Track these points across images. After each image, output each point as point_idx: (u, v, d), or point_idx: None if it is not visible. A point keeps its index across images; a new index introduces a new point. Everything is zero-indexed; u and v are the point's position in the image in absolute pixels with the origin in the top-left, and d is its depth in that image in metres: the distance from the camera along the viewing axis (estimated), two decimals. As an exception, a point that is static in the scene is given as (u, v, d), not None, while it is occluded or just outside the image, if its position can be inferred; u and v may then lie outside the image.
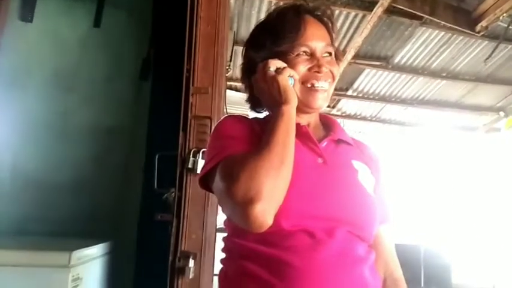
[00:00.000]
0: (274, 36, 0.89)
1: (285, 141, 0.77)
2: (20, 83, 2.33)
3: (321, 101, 0.89)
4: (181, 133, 1.63)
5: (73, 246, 1.54)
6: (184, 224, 1.58)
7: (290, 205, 0.76)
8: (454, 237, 5.36)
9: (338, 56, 0.95)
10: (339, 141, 0.93)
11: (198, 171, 1.57)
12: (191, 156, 1.59)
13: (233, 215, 0.78)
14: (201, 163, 1.57)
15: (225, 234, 0.88)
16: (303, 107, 0.89)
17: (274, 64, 0.85)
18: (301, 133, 0.88)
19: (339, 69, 0.94)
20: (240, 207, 0.71)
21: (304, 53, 0.88)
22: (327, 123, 0.98)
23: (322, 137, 0.92)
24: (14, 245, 1.66)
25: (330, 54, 0.91)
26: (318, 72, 0.87)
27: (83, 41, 2.46)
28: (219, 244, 1.70)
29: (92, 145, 2.29)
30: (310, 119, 0.94)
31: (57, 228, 2.11)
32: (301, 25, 0.88)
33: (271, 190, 0.71)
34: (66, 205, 2.18)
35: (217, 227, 1.85)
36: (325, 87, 0.89)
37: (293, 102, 0.82)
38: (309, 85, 0.88)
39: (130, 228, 2.06)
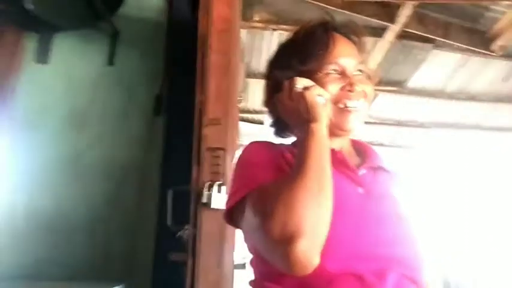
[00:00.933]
0: (301, 55, 0.83)
1: (320, 163, 0.68)
2: (34, 124, 2.35)
3: (355, 123, 0.82)
4: (194, 166, 1.58)
5: (84, 291, 1.46)
6: (200, 263, 1.49)
7: (335, 243, 0.66)
8: (482, 266, 5.05)
9: (370, 75, 0.89)
10: (378, 169, 0.85)
11: (213, 205, 1.50)
12: (205, 190, 1.52)
13: (271, 255, 0.66)
14: (216, 197, 1.50)
15: (252, 277, 0.79)
16: (335, 130, 0.82)
17: (302, 82, 0.77)
18: (337, 160, 0.79)
19: (372, 89, 0.86)
20: (280, 247, 0.61)
21: (334, 72, 0.82)
22: (359, 148, 0.91)
23: (358, 164, 0.84)
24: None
25: (362, 72, 0.85)
26: (350, 91, 0.81)
27: (97, 80, 2.48)
28: (236, 283, 1.61)
29: (105, 184, 2.25)
30: (342, 144, 0.86)
31: (70, 271, 2.04)
32: (329, 42, 0.82)
33: (314, 223, 0.62)
34: (79, 247, 2.11)
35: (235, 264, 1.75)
36: (358, 107, 0.81)
37: (323, 120, 0.74)
38: (341, 105, 0.81)
39: (144, 269, 1.97)
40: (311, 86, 0.77)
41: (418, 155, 5.83)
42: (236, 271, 1.62)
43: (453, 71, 4.06)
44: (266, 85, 0.92)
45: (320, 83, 0.79)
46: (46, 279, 2.00)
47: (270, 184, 0.68)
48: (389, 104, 4.71)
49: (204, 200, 1.51)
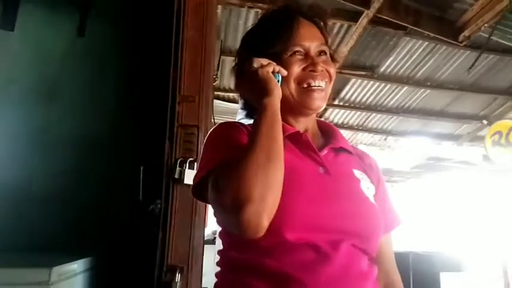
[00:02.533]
0: (266, 38, 0.87)
1: (269, 135, 0.72)
2: (1, 94, 2.26)
3: (319, 101, 0.86)
4: (167, 142, 1.59)
5: (53, 262, 1.46)
6: (170, 236, 1.53)
7: (293, 215, 0.73)
8: (442, 243, 5.39)
9: (334, 56, 0.93)
10: (340, 150, 0.90)
11: (185, 181, 1.53)
12: (177, 166, 1.54)
13: (227, 224, 0.74)
14: (187, 173, 1.53)
15: (220, 247, 0.84)
16: (300, 109, 0.86)
17: (259, 61, 0.81)
18: (301, 141, 0.85)
19: (335, 70, 0.90)
20: (232, 214, 0.67)
21: (298, 53, 0.85)
22: (326, 130, 0.95)
23: (322, 145, 0.89)
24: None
25: (325, 53, 0.88)
26: (314, 71, 0.85)
27: (67, 51, 2.41)
28: (207, 257, 1.66)
29: (76, 156, 2.22)
30: (308, 124, 0.90)
31: (38, 242, 2.02)
32: (293, 25, 0.86)
33: (262, 189, 0.66)
34: (48, 218, 2.09)
35: (205, 239, 1.81)
36: (322, 86, 0.85)
37: (275, 93, 0.78)
38: (305, 85, 0.85)
39: (115, 243, 1.99)
40: (266, 64, 0.80)
41: (387, 139, 6.03)
42: (206, 246, 1.67)
43: (422, 58, 4.19)
44: (234, 68, 0.94)
45: (285, 64, 0.83)
46: (13, 250, 1.98)
47: (227, 160, 0.72)
48: (360, 88, 4.82)
49: (176, 175, 1.54)
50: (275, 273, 0.72)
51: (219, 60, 3.27)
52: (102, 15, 2.46)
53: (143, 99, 2.26)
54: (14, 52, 2.35)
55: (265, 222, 0.67)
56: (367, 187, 0.86)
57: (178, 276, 1.47)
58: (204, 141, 0.87)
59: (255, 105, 0.82)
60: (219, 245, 0.86)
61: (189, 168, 1.54)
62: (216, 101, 3.95)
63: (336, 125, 5.82)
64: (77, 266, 1.66)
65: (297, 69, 0.84)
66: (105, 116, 2.33)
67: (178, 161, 1.55)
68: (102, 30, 2.44)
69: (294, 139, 0.84)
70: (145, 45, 2.37)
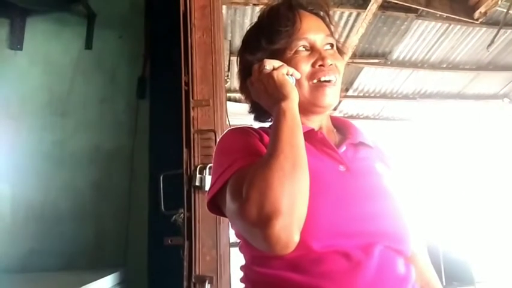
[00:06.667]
0: (268, 34, 0.81)
1: (292, 140, 0.67)
2: (14, 113, 2.26)
3: (331, 97, 0.80)
4: (184, 150, 1.54)
5: (81, 281, 1.44)
6: (196, 245, 1.48)
7: (317, 222, 0.67)
8: (472, 233, 5.21)
9: (341, 48, 0.87)
10: (359, 145, 0.84)
11: (206, 188, 1.48)
12: (197, 173, 1.49)
13: (252, 239, 0.66)
14: (208, 179, 1.47)
15: (242, 262, 0.78)
16: (312, 107, 0.80)
17: (271, 63, 0.76)
18: (317, 139, 0.79)
19: (343, 63, 0.84)
20: (258, 229, 0.60)
21: (303, 48, 0.80)
22: (340, 126, 0.89)
23: (339, 141, 0.84)
24: (16, 287, 1.56)
25: (332, 46, 0.82)
26: (322, 65, 0.79)
27: (75, 64, 2.39)
28: (234, 261, 1.62)
29: (91, 170, 2.21)
30: (321, 122, 0.85)
31: (62, 261, 2.01)
32: (296, 18, 0.80)
33: (290, 201, 0.60)
34: (70, 236, 2.08)
35: (230, 242, 1.76)
36: (333, 80, 0.80)
37: (293, 97, 0.72)
38: (315, 81, 0.79)
39: (140, 255, 1.96)
40: (280, 66, 0.75)
41: (404, 126, 5.89)
42: (232, 249, 1.62)
43: (436, 40, 4.06)
44: (238, 70, 0.89)
45: (291, 63, 0.78)
46: (39, 270, 1.97)
47: (245, 169, 0.67)
48: (374, 76, 4.71)
49: (197, 183, 1.49)
50: None
51: (229, 61, 3.23)
52: (108, 25, 2.44)
53: (156, 107, 2.23)
54: (24, 70, 2.36)
55: (296, 237, 0.61)
56: (391, 182, 0.80)
57: (208, 287, 1.42)
58: (216, 149, 0.81)
59: (268, 110, 0.77)
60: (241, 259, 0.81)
61: (209, 174, 1.49)
62: (228, 103, 3.90)
63: (351, 116, 5.73)
64: (105, 283, 1.63)
65: (305, 66, 0.79)
66: (119, 126, 2.30)
67: (198, 168, 1.50)
68: (109, 41, 2.43)
69: (309, 138, 0.78)
70: (153, 52, 2.34)
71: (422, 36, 3.99)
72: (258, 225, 0.60)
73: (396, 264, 0.71)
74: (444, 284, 4.36)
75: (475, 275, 4.55)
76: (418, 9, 3.48)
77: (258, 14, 0.89)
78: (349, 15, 3.61)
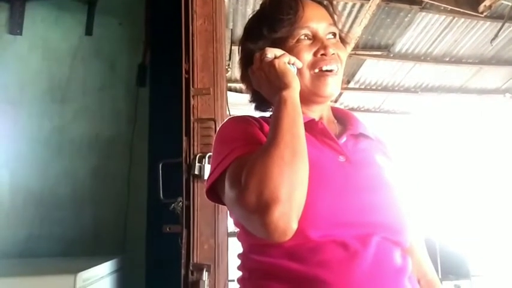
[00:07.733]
0: (270, 23, 0.80)
1: (293, 129, 0.66)
2: (13, 98, 2.25)
3: (333, 86, 0.79)
4: (184, 138, 1.54)
5: (78, 267, 1.44)
6: (194, 234, 1.48)
7: (316, 211, 0.67)
8: (469, 227, 5.22)
9: (344, 38, 0.86)
10: (359, 136, 0.83)
11: (205, 177, 1.47)
12: (197, 161, 1.49)
13: (251, 226, 0.66)
14: (207, 168, 1.47)
15: (240, 250, 0.78)
16: (313, 97, 0.80)
17: (272, 52, 0.75)
18: (317, 129, 0.78)
19: (346, 53, 0.83)
20: (257, 216, 0.60)
21: (305, 37, 0.79)
22: (341, 116, 0.89)
23: (340, 132, 0.83)
24: (15, 271, 1.57)
25: (334, 35, 0.82)
26: (324, 54, 0.78)
27: (75, 51, 2.37)
28: (232, 251, 1.62)
29: (91, 157, 2.21)
30: (322, 112, 0.84)
31: (61, 247, 2.02)
32: (298, 6, 0.79)
33: (289, 189, 0.60)
34: (69, 221, 2.09)
35: (229, 232, 1.76)
36: (334, 69, 0.79)
37: (294, 86, 0.72)
38: (316, 70, 0.78)
39: (138, 243, 1.97)
40: (281, 55, 0.75)
41: (405, 120, 5.88)
42: (230, 239, 1.63)
43: (439, 34, 4.02)
44: (240, 59, 0.89)
45: (293, 52, 0.77)
46: (37, 256, 1.98)
47: (244, 157, 0.67)
48: (376, 69, 4.68)
49: (196, 171, 1.49)
50: (301, 276, 0.66)
51: (230, 50, 3.20)
52: (108, 12, 2.41)
53: (156, 95, 2.22)
54: (24, 55, 2.34)
55: (294, 225, 0.61)
56: (391, 174, 0.79)
57: (205, 275, 1.42)
58: (215, 138, 0.81)
59: (269, 99, 0.77)
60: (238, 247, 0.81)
61: (208, 163, 1.48)
62: (228, 93, 3.87)
63: (352, 109, 5.71)
64: (103, 269, 1.64)
65: (307, 56, 0.78)
66: (119, 114, 2.30)
67: (197, 157, 1.50)
68: (110, 28, 2.40)
69: (310, 128, 0.77)
70: (154, 39, 2.32)
71: (426, 28, 3.95)
72: (256, 212, 0.60)
73: (393, 256, 0.71)
74: (440, 277, 4.38)
75: (471, 269, 4.57)
76: (422, 1, 3.44)
77: (261, 2, 0.88)
78: (353, 5, 3.56)
